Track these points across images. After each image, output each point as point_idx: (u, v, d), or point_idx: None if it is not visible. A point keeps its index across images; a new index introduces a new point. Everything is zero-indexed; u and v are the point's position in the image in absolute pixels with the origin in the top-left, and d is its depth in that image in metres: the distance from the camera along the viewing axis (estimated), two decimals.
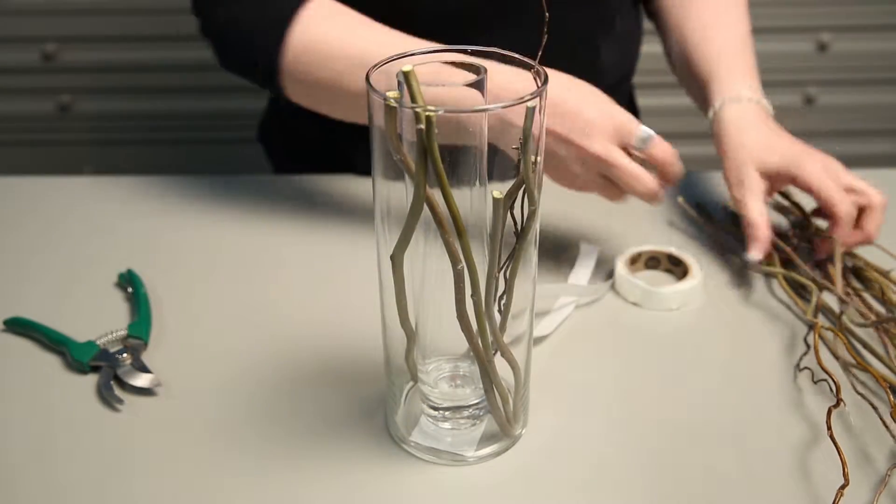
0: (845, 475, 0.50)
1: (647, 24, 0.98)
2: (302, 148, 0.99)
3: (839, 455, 0.51)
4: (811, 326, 0.63)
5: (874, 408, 0.55)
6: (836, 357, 0.61)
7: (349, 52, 0.70)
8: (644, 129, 0.67)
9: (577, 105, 0.66)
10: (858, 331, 0.63)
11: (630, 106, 1.02)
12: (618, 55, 0.93)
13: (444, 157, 0.43)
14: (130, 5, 1.53)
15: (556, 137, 0.66)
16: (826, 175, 0.70)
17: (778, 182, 0.72)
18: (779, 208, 0.79)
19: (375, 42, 0.70)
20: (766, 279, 0.71)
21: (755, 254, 0.69)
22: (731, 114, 0.74)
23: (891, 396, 0.56)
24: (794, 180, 0.70)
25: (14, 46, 1.56)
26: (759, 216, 0.70)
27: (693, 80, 0.81)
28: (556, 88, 0.66)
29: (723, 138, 0.74)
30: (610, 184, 0.69)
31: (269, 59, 0.73)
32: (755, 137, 0.72)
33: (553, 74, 0.66)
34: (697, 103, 0.83)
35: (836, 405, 0.54)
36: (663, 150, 0.68)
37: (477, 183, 0.49)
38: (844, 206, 0.69)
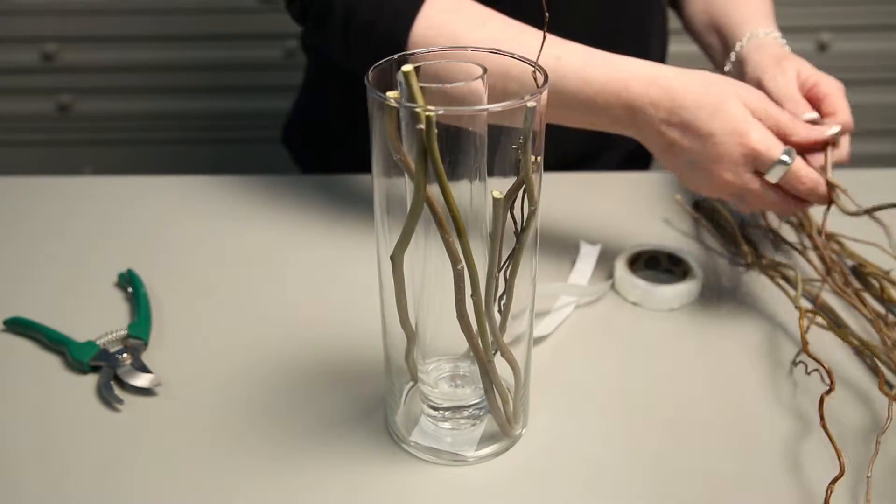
0: (841, 465, 0.50)
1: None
2: (330, 148, 0.98)
3: (832, 444, 0.51)
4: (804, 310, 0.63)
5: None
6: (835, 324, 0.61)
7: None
8: (781, 161, 0.62)
9: (709, 124, 0.62)
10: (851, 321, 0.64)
11: None
12: (660, 51, 0.94)
13: (444, 156, 0.43)
14: (130, 5, 1.53)
15: (686, 152, 0.64)
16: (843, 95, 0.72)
17: (801, 87, 0.73)
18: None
19: (500, 35, 0.68)
20: (765, 278, 0.71)
21: (810, 114, 0.69)
22: (761, 39, 0.78)
23: (882, 371, 0.57)
24: (814, 87, 0.72)
25: (14, 46, 1.56)
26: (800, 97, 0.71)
27: (718, 37, 0.84)
28: (690, 93, 0.62)
29: (757, 48, 0.76)
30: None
31: (394, 52, 0.71)
32: (787, 52, 0.76)
33: (684, 73, 0.64)
34: (717, 60, 0.85)
35: (828, 392, 0.54)
36: (802, 184, 0.63)
37: (477, 181, 0.49)
38: (848, 120, 0.70)
